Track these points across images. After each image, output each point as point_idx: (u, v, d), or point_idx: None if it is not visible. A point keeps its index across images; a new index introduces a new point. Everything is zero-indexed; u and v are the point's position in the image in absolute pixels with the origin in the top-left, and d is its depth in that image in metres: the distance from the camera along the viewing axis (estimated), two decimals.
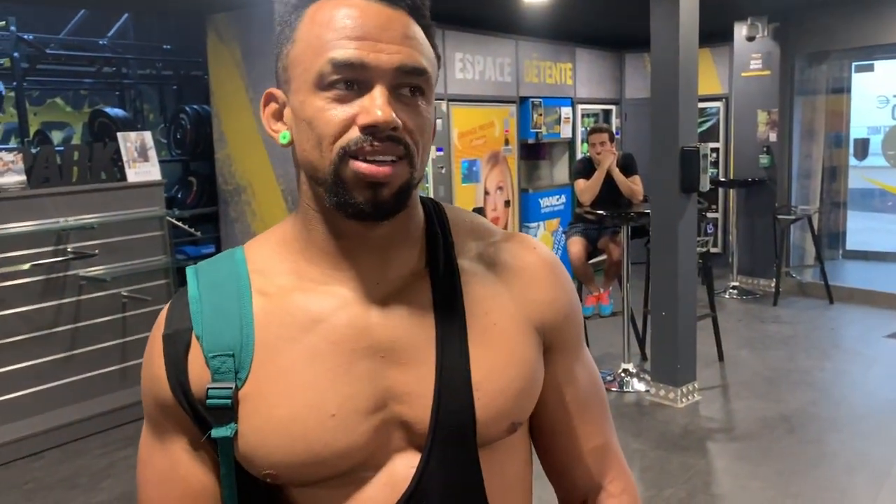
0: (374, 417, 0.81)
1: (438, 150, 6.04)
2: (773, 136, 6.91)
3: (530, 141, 6.99)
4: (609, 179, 5.73)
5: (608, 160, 5.72)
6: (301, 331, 0.81)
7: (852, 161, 8.07)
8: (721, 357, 5.10)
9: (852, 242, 8.10)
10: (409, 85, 0.77)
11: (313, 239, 0.83)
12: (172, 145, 6.20)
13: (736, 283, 6.98)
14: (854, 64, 7.67)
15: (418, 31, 0.79)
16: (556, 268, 0.93)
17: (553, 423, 0.95)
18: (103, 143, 4.36)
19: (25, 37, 5.81)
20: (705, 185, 4.31)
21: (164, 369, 0.83)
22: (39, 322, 4.02)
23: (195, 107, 6.01)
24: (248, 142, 5.33)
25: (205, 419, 0.82)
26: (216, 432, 0.81)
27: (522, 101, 6.89)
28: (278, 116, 0.83)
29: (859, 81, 8.08)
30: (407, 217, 0.84)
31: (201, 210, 5.68)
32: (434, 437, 0.81)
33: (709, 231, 7.73)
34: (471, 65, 6.37)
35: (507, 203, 6.85)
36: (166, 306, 0.87)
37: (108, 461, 3.87)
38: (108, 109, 5.85)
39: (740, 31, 6.90)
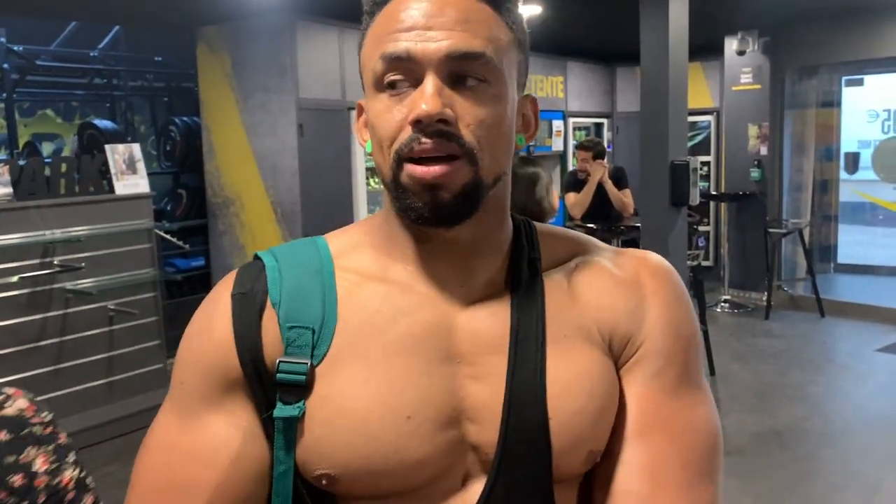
0: (449, 433, 0.72)
1: None
2: (763, 150, 6.93)
3: (522, 154, 6.98)
4: (601, 192, 5.72)
5: (599, 172, 5.69)
6: (385, 321, 0.75)
7: (843, 175, 8.10)
8: (712, 371, 5.09)
9: (843, 256, 8.11)
10: (466, 73, 0.71)
11: (395, 238, 0.78)
12: (162, 157, 6.19)
13: (727, 297, 6.97)
14: (844, 78, 7.71)
15: (483, 12, 0.72)
16: (659, 274, 0.81)
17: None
18: (91, 156, 4.34)
19: (15, 48, 5.80)
20: (695, 198, 4.32)
21: (231, 333, 0.74)
22: (25, 335, 3.97)
23: (185, 119, 6.00)
24: (237, 154, 5.31)
25: (269, 398, 0.73)
26: (280, 411, 0.72)
27: None
28: (367, 125, 0.77)
29: (849, 95, 8.12)
30: (493, 223, 0.77)
31: (190, 222, 5.66)
32: (502, 461, 0.72)
33: (700, 244, 7.73)
34: None
35: None
36: (231, 273, 0.79)
37: (94, 477, 3.81)
38: (97, 121, 5.84)
39: (731, 45, 6.93)
